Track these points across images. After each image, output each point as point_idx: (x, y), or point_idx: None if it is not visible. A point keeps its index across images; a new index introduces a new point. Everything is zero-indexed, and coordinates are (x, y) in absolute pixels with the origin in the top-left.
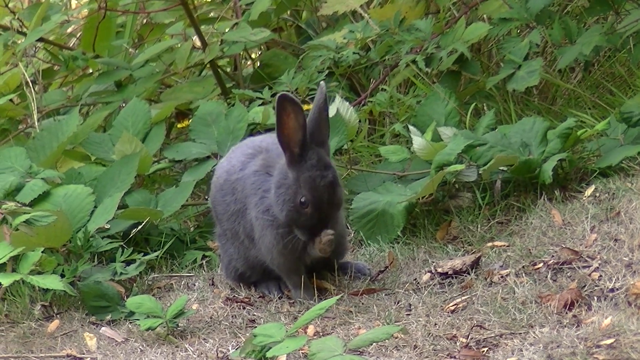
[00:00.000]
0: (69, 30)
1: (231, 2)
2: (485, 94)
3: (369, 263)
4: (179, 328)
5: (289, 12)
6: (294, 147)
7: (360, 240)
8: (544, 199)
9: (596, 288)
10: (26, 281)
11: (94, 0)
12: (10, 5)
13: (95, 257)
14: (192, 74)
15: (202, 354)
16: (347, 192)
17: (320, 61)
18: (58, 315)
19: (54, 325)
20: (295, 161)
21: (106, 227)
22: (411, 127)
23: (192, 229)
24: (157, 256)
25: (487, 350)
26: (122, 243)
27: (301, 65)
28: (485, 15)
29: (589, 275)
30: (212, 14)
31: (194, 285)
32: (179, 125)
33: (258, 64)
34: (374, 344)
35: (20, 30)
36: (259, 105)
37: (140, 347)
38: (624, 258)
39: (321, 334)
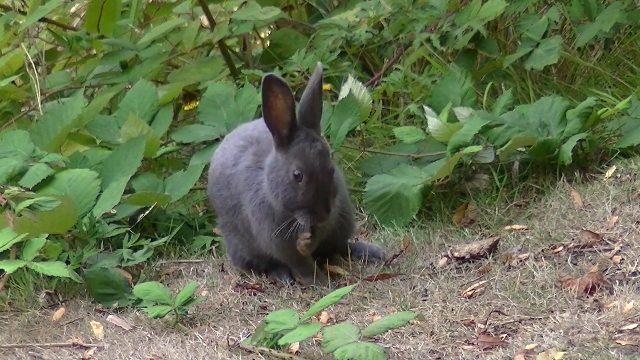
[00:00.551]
0: (73, 9)
1: None
2: (502, 73)
3: (384, 247)
4: (188, 315)
5: None
6: (282, 129)
7: (375, 224)
8: (563, 181)
9: (618, 272)
10: (30, 268)
11: None
12: None
13: (102, 243)
14: (200, 55)
15: (212, 341)
16: (360, 174)
17: (332, 40)
18: (63, 303)
19: (59, 313)
20: (284, 143)
21: (112, 212)
22: (426, 108)
23: (200, 214)
24: (165, 242)
25: (506, 336)
26: (129, 229)
27: (312, 45)
28: None
29: (611, 258)
30: None
31: (203, 271)
32: (187, 107)
33: (268, 44)
34: (389, 330)
35: (22, 10)
36: None
37: (149, 335)
38: None
39: (335, 320)
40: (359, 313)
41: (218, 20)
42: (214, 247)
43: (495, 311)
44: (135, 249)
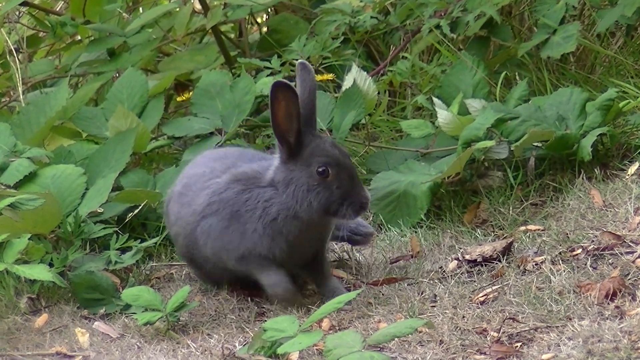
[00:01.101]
0: None
1: None
2: (517, 62)
3: (390, 249)
4: (180, 322)
5: None
6: (290, 137)
7: (380, 224)
8: (582, 178)
9: None
10: (11, 271)
11: None
12: None
13: (88, 244)
14: (192, 41)
15: (206, 350)
16: (364, 171)
17: (334, 26)
18: (46, 309)
19: (41, 319)
20: (293, 152)
21: (99, 211)
22: (435, 99)
23: None
24: (156, 243)
25: (521, 345)
26: (116, 229)
27: (313, 32)
28: None
29: (633, 262)
30: None
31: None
32: (179, 98)
33: (265, 30)
34: (396, 339)
35: None
36: (267, 75)
37: (138, 343)
38: None
39: (337, 328)
40: (363, 320)
41: (212, 4)
42: None
43: (510, 318)
44: (123, 250)
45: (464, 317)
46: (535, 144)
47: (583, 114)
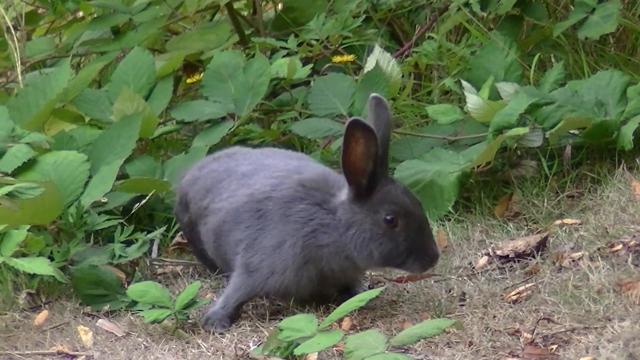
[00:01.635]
0: None
1: None
2: (552, 43)
3: None
4: (189, 320)
5: None
6: (362, 179)
7: None
8: (622, 168)
9: None
10: (9, 265)
11: None
12: None
13: (91, 236)
14: (203, 19)
15: (217, 350)
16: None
17: (355, 4)
18: (47, 305)
19: (42, 316)
20: (362, 195)
21: (103, 200)
22: (464, 83)
23: None
24: (164, 235)
25: (556, 347)
26: (121, 220)
27: (332, 9)
28: None
29: None
30: None
31: (207, 270)
32: (189, 80)
33: (281, 7)
34: (422, 340)
35: None
36: (283, 56)
37: (145, 342)
38: None
39: (359, 328)
40: (386, 319)
41: None
42: None
43: (544, 319)
44: (128, 243)
45: (495, 317)
46: (572, 131)
47: (623, 99)
